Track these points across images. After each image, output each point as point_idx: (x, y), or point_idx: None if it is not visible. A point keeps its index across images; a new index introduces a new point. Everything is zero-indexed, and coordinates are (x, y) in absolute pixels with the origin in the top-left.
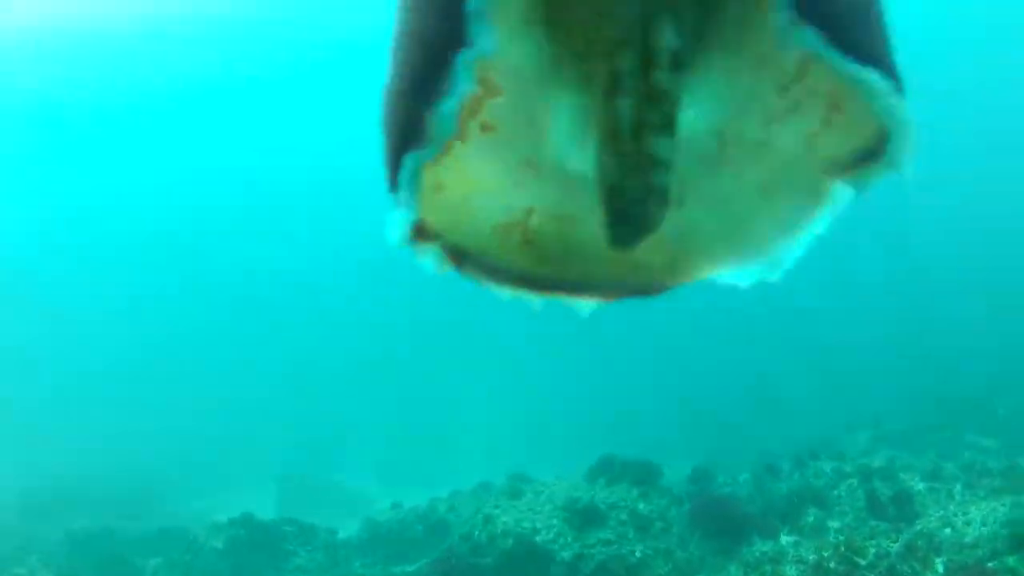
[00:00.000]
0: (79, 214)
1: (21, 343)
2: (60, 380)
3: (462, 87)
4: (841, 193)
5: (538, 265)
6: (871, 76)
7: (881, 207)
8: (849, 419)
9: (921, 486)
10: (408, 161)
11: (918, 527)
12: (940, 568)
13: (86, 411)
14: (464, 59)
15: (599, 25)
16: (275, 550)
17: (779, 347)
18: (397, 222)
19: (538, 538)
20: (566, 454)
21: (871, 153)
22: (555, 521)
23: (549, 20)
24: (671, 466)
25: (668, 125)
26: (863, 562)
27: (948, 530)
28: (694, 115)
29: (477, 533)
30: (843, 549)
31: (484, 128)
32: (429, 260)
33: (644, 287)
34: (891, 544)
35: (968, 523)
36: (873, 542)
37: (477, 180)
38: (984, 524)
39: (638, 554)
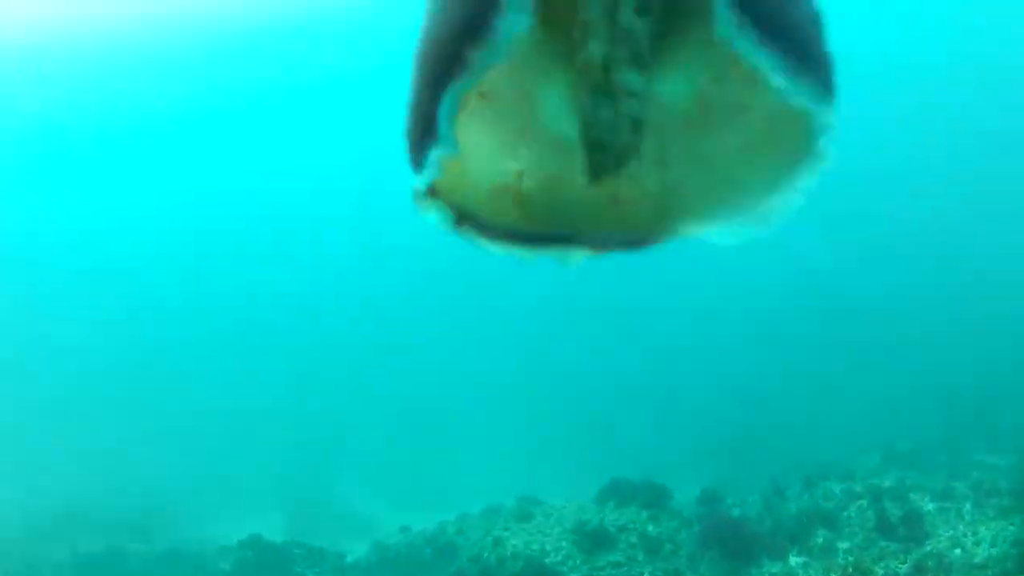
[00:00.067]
0: (81, 237)
1: (25, 361)
2: (65, 402)
3: (518, 20)
4: (824, 150)
5: (529, 223)
6: (777, 78)
7: (885, 227)
8: (859, 440)
9: (931, 506)
10: (450, 92)
11: (928, 548)
12: None
13: (94, 432)
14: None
15: None
16: (284, 573)
17: (787, 369)
18: (430, 163)
19: (547, 560)
20: (575, 477)
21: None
22: (564, 543)
23: None
24: (680, 488)
25: (635, 60)
26: None
27: (958, 550)
28: (674, 78)
29: (486, 555)
30: (852, 570)
31: (482, 96)
32: (435, 216)
33: (630, 241)
34: (900, 565)
35: (978, 543)
36: (882, 563)
37: (474, 146)
38: (994, 544)
39: None
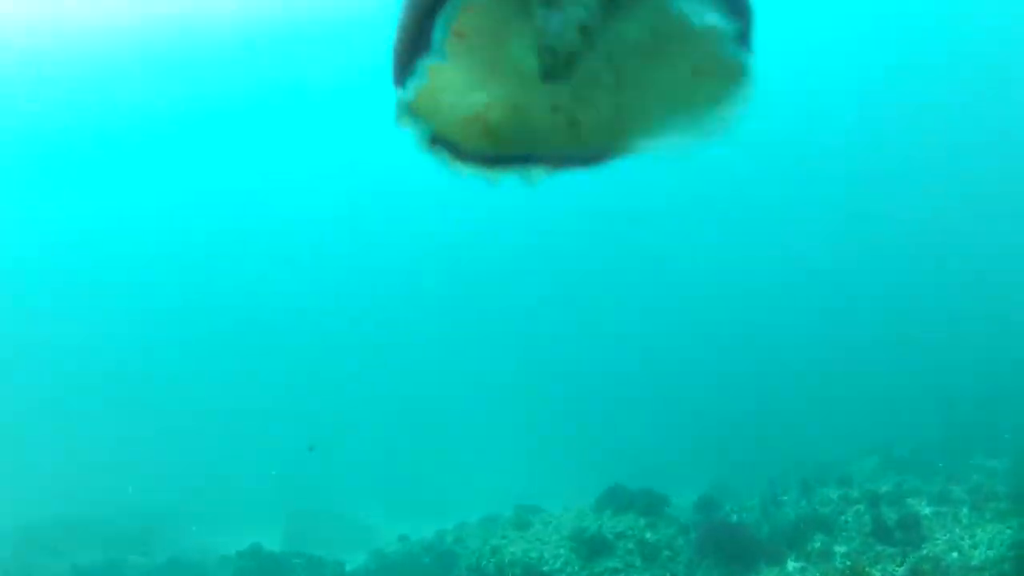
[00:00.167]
0: (81, 238)
1: (23, 364)
2: (63, 407)
3: None
4: (749, 76)
5: (495, 147)
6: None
7: (882, 234)
8: (857, 445)
9: (928, 510)
10: (445, 10)
11: (924, 551)
12: None
13: (91, 440)
14: None
15: None
16: None
17: (785, 374)
18: (419, 72)
19: (545, 568)
20: (573, 484)
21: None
22: (562, 551)
23: None
24: (678, 494)
25: None
26: None
27: (955, 553)
28: (626, 15)
29: (485, 563)
30: (849, 574)
31: (458, 35)
32: (414, 135)
33: (586, 159)
34: (896, 568)
35: (975, 546)
36: (879, 567)
37: (448, 79)
38: (991, 547)
39: None
